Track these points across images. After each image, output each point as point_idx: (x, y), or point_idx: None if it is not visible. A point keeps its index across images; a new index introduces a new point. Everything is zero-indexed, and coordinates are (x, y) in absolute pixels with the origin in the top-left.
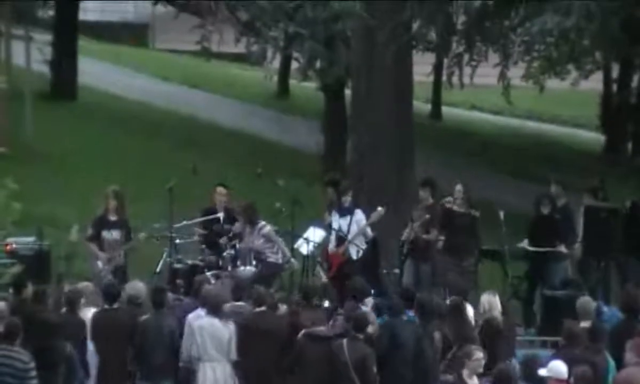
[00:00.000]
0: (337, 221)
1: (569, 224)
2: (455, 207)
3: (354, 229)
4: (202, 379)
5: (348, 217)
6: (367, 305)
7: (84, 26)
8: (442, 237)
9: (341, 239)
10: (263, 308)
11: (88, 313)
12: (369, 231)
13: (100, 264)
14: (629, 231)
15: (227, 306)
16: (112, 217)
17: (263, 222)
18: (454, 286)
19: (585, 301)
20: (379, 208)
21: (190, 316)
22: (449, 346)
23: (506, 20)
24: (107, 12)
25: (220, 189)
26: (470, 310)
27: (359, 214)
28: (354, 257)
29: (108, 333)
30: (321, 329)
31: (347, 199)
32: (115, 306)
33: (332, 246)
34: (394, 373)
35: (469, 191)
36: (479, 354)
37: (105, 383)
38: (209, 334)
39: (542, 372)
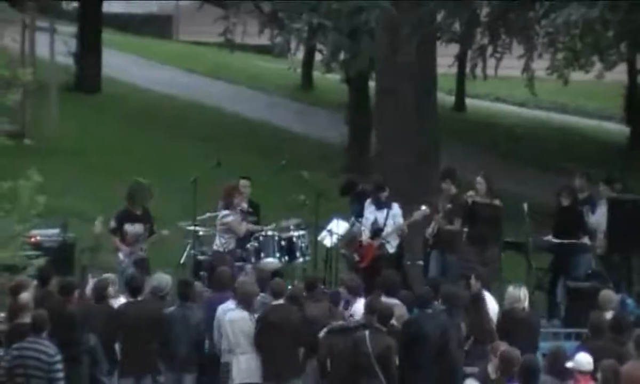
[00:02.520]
0: (374, 213)
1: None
2: (478, 199)
3: (390, 223)
4: (237, 370)
5: (385, 211)
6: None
7: (108, 18)
8: (465, 229)
9: (376, 232)
10: (280, 301)
11: (117, 302)
12: (405, 227)
13: (121, 255)
14: None
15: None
16: (137, 212)
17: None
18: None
19: (608, 293)
20: (423, 207)
21: (220, 309)
22: (466, 336)
23: (530, 12)
24: (131, 4)
25: (243, 182)
26: (492, 301)
27: (396, 208)
28: (391, 251)
29: (132, 324)
30: (340, 322)
31: (384, 194)
32: (139, 298)
33: (365, 237)
34: (418, 365)
35: (491, 181)
36: None
37: (129, 373)
38: (240, 326)
39: (569, 364)
